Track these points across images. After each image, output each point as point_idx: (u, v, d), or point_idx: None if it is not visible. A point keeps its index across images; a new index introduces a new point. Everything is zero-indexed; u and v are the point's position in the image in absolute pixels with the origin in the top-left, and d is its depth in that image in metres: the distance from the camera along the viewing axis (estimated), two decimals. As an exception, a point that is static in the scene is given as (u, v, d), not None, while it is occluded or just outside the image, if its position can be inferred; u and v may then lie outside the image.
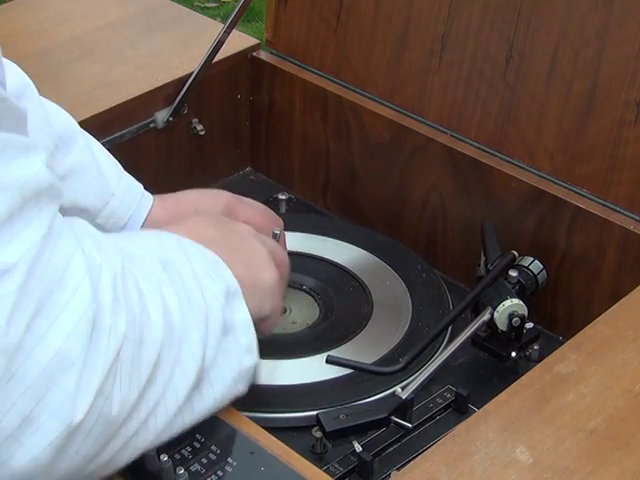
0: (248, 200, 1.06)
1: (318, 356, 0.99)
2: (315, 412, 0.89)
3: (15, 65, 0.96)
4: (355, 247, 1.15)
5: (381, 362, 0.98)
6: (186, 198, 1.04)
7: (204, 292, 0.77)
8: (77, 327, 0.63)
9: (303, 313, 1.08)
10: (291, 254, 1.11)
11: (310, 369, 0.98)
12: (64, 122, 1.00)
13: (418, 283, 1.09)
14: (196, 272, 0.78)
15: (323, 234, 1.17)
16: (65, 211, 0.91)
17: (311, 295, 1.10)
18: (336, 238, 1.16)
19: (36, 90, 0.97)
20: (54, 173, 0.69)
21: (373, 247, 1.15)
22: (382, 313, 1.06)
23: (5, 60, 0.94)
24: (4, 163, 0.61)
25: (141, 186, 1.03)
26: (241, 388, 0.80)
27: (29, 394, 0.60)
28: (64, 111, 1.01)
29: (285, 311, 1.08)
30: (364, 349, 1.00)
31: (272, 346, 1.01)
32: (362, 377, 0.96)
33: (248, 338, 0.80)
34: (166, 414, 0.72)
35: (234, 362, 0.79)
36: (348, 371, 0.96)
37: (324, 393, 0.95)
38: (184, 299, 0.75)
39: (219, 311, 0.78)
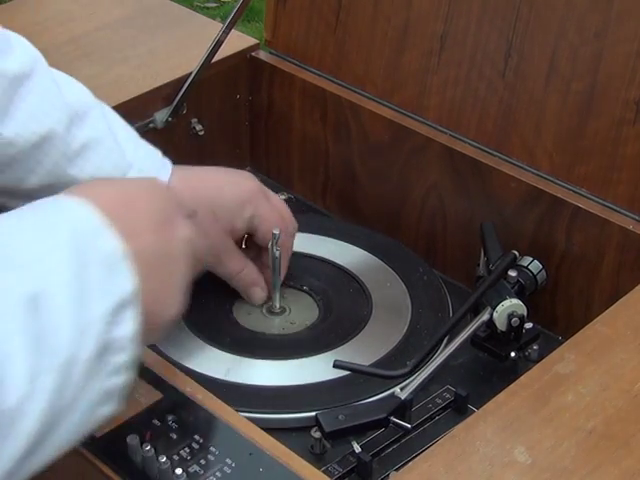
0: (273, 196, 1.06)
1: (317, 357, 0.99)
2: (314, 413, 0.89)
3: (23, 39, 0.95)
4: (356, 247, 1.15)
5: (380, 364, 0.98)
6: (211, 179, 1.04)
7: (80, 320, 0.65)
8: None
9: (302, 313, 1.08)
10: (292, 254, 1.12)
11: (309, 370, 0.98)
12: (77, 94, 0.99)
13: (418, 285, 1.09)
14: (81, 288, 0.66)
15: (323, 234, 1.17)
16: (83, 182, 0.89)
17: (311, 296, 1.10)
18: (337, 238, 1.16)
19: (46, 63, 0.97)
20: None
21: (374, 248, 1.14)
22: (381, 315, 1.06)
23: (13, 34, 0.95)
24: None
25: (159, 153, 1.02)
26: (106, 411, 0.69)
27: None
28: (77, 82, 1.00)
29: (284, 311, 1.08)
30: (363, 351, 1.00)
31: (271, 347, 1.01)
32: (361, 378, 0.95)
33: (124, 357, 0.68)
34: None
35: (97, 387, 0.67)
36: (347, 372, 0.96)
37: (323, 394, 0.95)
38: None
39: (92, 340, 0.66)
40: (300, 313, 1.08)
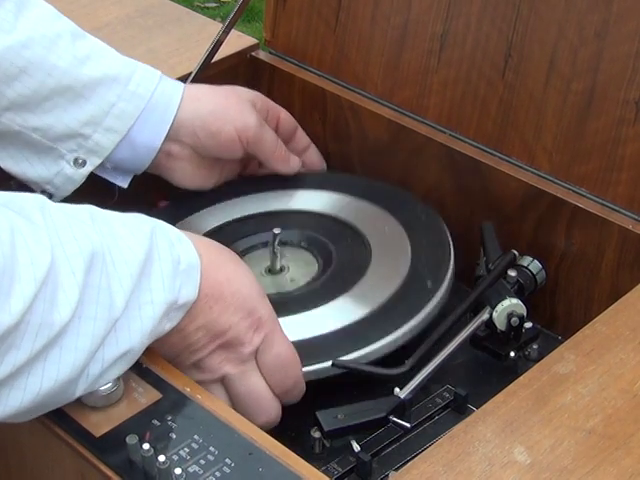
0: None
1: (319, 309, 0.98)
2: (323, 364, 0.89)
3: None
4: (351, 196, 1.13)
5: (381, 310, 0.97)
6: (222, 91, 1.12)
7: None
8: None
9: (302, 270, 1.06)
10: (287, 213, 1.12)
11: (313, 323, 0.96)
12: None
13: (417, 227, 1.07)
14: (143, 273, 0.78)
15: (317, 188, 1.15)
16: (98, 82, 1.02)
17: (308, 251, 1.09)
18: (330, 190, 1.14)
19: None
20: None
21: (369, 194, 1.12)
22: (381, 261, 1.04)
23: None
24: None
25: None
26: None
27: None
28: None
29: (283, 270, 1.07)
30: (363, 299, 0.98)
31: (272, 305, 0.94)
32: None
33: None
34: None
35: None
36: (349, 323, 0.95)
37: (329, 345, 0.93)
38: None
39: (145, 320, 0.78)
40: (300, 270, 1.06)
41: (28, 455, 0.86)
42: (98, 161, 1.06)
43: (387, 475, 0.88)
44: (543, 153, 1.07)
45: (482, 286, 0.99)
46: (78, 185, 1.07)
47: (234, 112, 1.09)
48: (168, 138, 1.07)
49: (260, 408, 0.88)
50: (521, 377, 0.81)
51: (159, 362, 0.84)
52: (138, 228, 0.80)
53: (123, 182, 1.10)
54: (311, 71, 1.24)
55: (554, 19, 1.03)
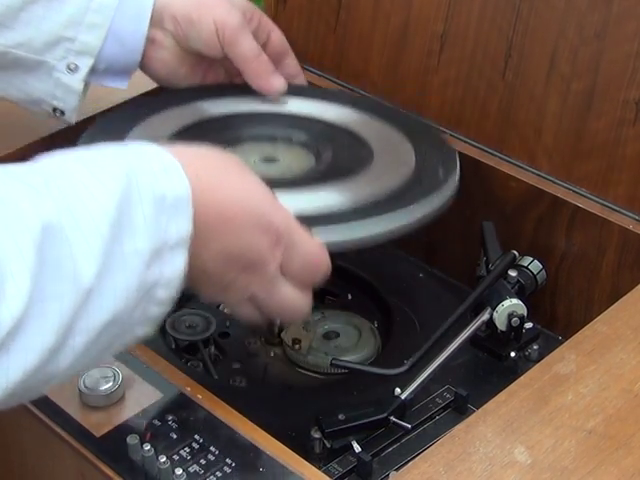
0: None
1: (331, 186, 0.95)
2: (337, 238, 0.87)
3: None
4: (340, 106, 1.10)
5: (397, 192, 0.95)
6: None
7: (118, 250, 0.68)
8: None
9: (299, 160, 1.02)
10: (278, 115, 1.08)
11: (317, 200, 0.92)
12: None
13: (414, 131, 1.05)
14: (120, 223, 0.68)
15: (310, 97, 1.12)
16: None
17: (303, 147, 1.04)
18: (321, 99, 1.11)
19: None
20: None
21: (359, 106, 1.10)
22: (384, 155, 1.00)
23: None
24: None
25: None
26: (140, 331, 0.73)
27: None
28: None
29: (279, 159, 1.02)
30: (374, 182, 0.96)
31: (275, 186, 0.86)
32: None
33: (168, 292, 0.72)
34: None
35: (140, 311, 0.71)
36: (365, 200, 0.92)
37: (345, 219, 0.90)
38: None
39: (133, 274, 0.69)
40: (296, 160, 1.02)
41: (29, 455, 0.86)
42: (90, 61, 1.04)
43: (388, 475, 0.87)
44: (543, 153, 1.07)
45: (482, 286, 0.99)
46: (80, 95, 1.05)
47: (217, 6, 1.06)
48: (152, 24, 1.05)
49: (294, 312, 0.84)
50: (522, 377, 0.81)
51: (160, 362, 0.84)
52: (108, 172, 0.70)
53: (122, 84, 1.09)
54: (311, 71, 1.24)
55: (554, 19, 1.03)
